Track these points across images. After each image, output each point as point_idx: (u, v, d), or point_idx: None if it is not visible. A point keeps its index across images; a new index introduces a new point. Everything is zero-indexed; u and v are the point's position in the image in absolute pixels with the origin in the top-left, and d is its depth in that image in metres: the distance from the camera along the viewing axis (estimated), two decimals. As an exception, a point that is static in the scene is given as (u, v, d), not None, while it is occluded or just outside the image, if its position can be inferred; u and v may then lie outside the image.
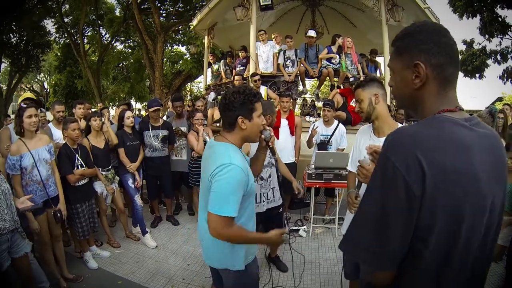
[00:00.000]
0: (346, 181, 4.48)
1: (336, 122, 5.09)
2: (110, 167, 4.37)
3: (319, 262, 3.97)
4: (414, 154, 0.90)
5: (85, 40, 19.64)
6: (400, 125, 2.34)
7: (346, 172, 4.45)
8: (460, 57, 12.54)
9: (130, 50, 21.91)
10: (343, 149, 5.03)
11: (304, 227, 4.83)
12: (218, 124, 5.63)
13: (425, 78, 1.03)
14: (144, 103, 21.28)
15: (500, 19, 15.02)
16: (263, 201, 3.32)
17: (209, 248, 2.03)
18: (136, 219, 4.59)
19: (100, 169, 4.16)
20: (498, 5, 14.72)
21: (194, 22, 9.36)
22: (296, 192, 3.46)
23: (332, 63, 7.06)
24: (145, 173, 5.10)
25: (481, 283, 1.10)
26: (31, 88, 29.94)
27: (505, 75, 15.81)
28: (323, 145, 5.03)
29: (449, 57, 1.02)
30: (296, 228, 4.80)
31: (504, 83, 15.86)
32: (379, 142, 2.18)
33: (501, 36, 15.40)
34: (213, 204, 1.75)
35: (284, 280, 3.59)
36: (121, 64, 22.87)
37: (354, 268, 2.54)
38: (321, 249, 4.33)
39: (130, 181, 4.52)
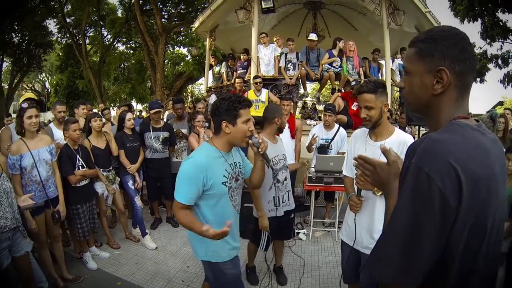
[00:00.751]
0: (345, 185, 4.52)
1: (336, 126, 5.09)
2: (110, 168, 4.37)
3: (318, 265, 3.97)
4: (449, 162, 0.86)
5: (87, 41, 19.72)
6: (398, 128, 2.32)
7: (345, 176, 4.49)
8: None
9: (131, 51, 21.98)
10: (343, 153, 5.01)
11: (304, 230, 4.84)
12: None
13: (447, 85, 1.00)
14: (145, 105, 21.34)
15: (501, 24, 15.04)
16: (281, 204, 3.29)
17: (189, 239, 2.32)
18: (136, 220, 4.59)
19: (101, 169, 4.17)
20: (499, 10, 14.69)
21: (196, 24, 9.37)
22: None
23: (334, 67, 7.07)
24: (145, 175, 5.11)
25: (494, 283, 1.09)
26: (33, 88, 30.02)
27: (506, 80, 15.79)
28: (323, 148, 5.02)
29: (472, 66, 1.01)
30: (296, 231, 4.77)
31: (505, 87, 15.88)
32: (376, 146, 2.18)
33: (502, 41, 15.44)
34: (175, 192, 2.05)
35: (285, 285, 3.58)
36: (122, 65, 22.93)
37: (354, 273, 2.53)
38: (320, 252, 4.33)
39: (130, 183, 4.52)
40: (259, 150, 2.18)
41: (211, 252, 2.18)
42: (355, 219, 2.31)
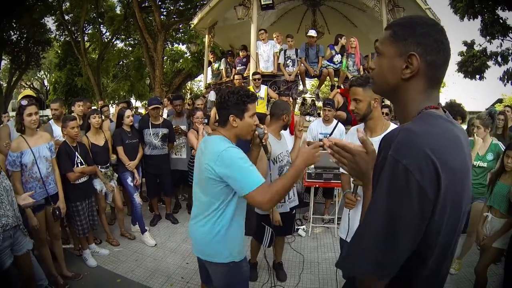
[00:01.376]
0: (345, 181, 4.50)
1: (335, 121, 5.09)
2: (109, 164, 4.37)
3: (318, 262, 3.98)
4: (428, 155, 0.84)
5: (86, 38, 19.58)
6: (393, 124, 2.31)
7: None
8: (460, 58, 12.48)
9: (130, 48, 21.91)
10: None
11: (303, 226, 4.84)
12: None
13: (416, 71, 0.99)
14: (144, 102, 21.29)
15: (501, 21, 14.96)
16: (287, 200, 3.32)
17: (197, 239, 2.14)
18: (135, 217, 4.59)
19: (99, 166, 4.17)
20: (499, 7, 14.64)
21: (195, 20, 9.35)
22: None
23: (333, 63, 7.06)
24: (144, 171, 5.10)
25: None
26: (31, 86, 29.92)
27: (506, 77, 15.75)
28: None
29: (445, 59, 1.00)
30: (296, 227, 4.78)
31: (505, 85, 15.84)
32: (375, 142, 2.16)
33: (502, 38, 15.35)
34: (244, 185, 1.83)
35: (285, 281, 3.60)
36: (121, 62, 22.84)
37: None
38: (320, 248, 4.34)
39: (129, 179, 4.52)
40: (263, 141, 2.17)
41: (236, 251, 2.10)
42: (349, 214, 2.33)
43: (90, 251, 3.97)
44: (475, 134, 3.86)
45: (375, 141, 2.10)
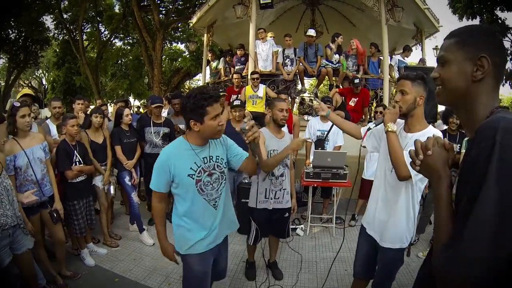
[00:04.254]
0: (343, 181, 4.52)
1: None
2: (106, 162, 4.34)
3: (316, 261, 3.98)
4: None
5: (84, 37, 19.58)
6: (431, 126, 2.28)
7: (344, 172, 4.49)
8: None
9: (129, 47, 21.90)
10: (339, 147, 5.05)
11: (302, 226, 4.84)
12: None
13: (487, 72, 1.04)
14: (143, 100, 21.24)
15: (500, 21, 15.11)
16: (271, 198, 3.29)
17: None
18: (133, 216, 4.58)
19: (99, 164, 4.17)
20: (498, 8, 14.77)
21: (194, 19, 9.36)
22: (292, 211, 3.51)
23: (331, 62, 7.07)
24: (143, 170, 5.09)
25: None
26: (29, 85, 29.84)
27: (504, 77, 15.79)
28: (320, 142, 5.04)
29: (504, 61, 1.09)
30: (294, 227, 4.79)
31: (503, 85, 15.89)
32: (407, 138, 2.21)
33: (501, 38, 15.32)
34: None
35: (281, 279, 3.59)
36: (120, 61, 22.84)
37: (365, 268, 2.58)
38: (318, 248, 4.34)
39: (127, 178, 4.49)
40: (245, 138, 2.03)
41: (184, 247, 2.22)
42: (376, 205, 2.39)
43: (88, 250, 3.96)
44: None
45: (413, 137, 2.14)
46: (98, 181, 4.15)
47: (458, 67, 1.08)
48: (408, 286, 3.40)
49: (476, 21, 15.06)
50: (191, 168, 2.09)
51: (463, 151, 3.82)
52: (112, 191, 4.31)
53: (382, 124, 2.26)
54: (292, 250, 4.20)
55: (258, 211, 3.22)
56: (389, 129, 2.15)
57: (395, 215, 2.27)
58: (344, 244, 4.13)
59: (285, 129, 4.98)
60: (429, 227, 4.62)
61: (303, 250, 4.22)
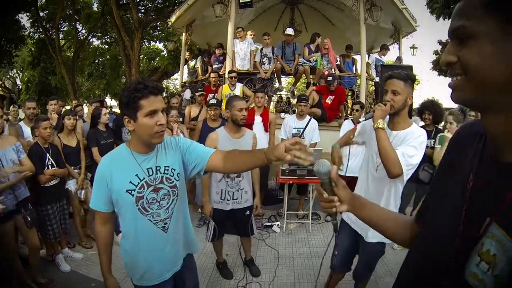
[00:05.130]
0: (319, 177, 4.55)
1: (308, 117, 5.15)
2: (80, 165, 4.24)
3: (293, 257, 4.01)
4: None
5: (61, 35, 19.13)
6: (414, 123, 2.33)
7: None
8: (436, 57, 12.78)
9: (106, 46, 21.46)
10: (315, 144, 5.09)
11: (278, 222, 4.87)
12: (193, 123, 5.59)
13: None
14: (121, 100, 20.85)
15: None
16: (228, 200, 3.25)
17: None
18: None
19: (72, 167, 4.08)
20: None
21: (173, 18, 9.28)
22: (254, 209, 3.48)
23: (309, 61, 7.14)
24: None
25: None
26: (2, 85, 28.93)
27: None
28: None
29: None
30: (270, 224, 4.85)
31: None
32: (393, 135, 2.24)
33: None
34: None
35: (259, 276, 3.60)
36: (97, 61, 22.38)
37: (344, 262, 2.64)
38: (294, 244, 4.38)
39: (103, 180, 4.40)
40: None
41: (133, 267, 1.93)
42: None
43: (63, 255, 3.87)
44: (446, 130, 4.00)
45: (397, 135, 2.21)
46: (71, 185, 4.06)
47: (494, 44, 0.64)
48: (384, 277, 3.51)
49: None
50: (130, 182, 1.67)
51: (438, 146, 3.92)
52: (82, 196, 4.18)
53: (370, 119, 2.29)
54: (269, 247, 4.23)
55: (216, 210, 3.22)
56: (379, 126, 2.16)
57: None
58: (321, 239, 4.14)
59: (261, 127, 5.04)
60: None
61: (279, 247, 4.25)
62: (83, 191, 4.17)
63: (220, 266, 3.66)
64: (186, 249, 2.00)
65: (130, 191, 1.68)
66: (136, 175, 1.69)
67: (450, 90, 0.77)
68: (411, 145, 2.11)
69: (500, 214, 0.70)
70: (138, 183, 1.69)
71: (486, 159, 0.79)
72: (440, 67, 16.14)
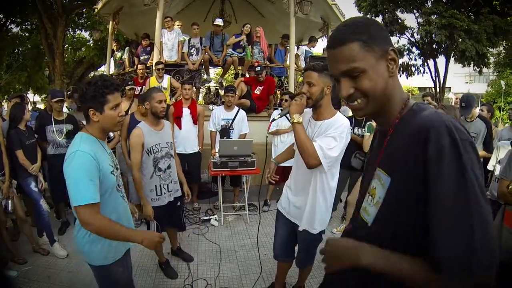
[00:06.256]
0: (252, 168, 4.73)
1: (236, 107, 5.24)
2: (3, 171, 3.87)
3: (235, 250, 4.07)
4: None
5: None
6: (339, 112, 2.43)
7: (252, 159, 4.68)
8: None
9: (27, 34, 19.47)
10: (245, 135, 5.20)
11: (215, 216, 4.90)
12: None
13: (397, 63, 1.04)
14: (43, 96, 19.36)
15: (399, 21, 17.40)
16: (164, 193, 3.24)
17: (76, 243, 2.03)
18: (42, 226, 4.16)
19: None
20: (399, 9, 16.95)
21: (99, 5, 8.69)
22: (186, 197, 3.50)
23: (237, 52, 7.21)
24: (47, 174, 4.71)
25: None
26: None
27: (401, 69, 18.56)
28: (225, 131, 5.12)
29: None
30: (207, 218, 4.86)
31: (400, 76, 18.19)
32: (318, 125, 2.36)
33: (399, 36, 18.11)
34: (72, 197, 1.74)
35: (204, 272, 3.58)
36: (16, 50, 20.29)
37: (285, 250, 2.76)
38: (235, 236, 4.45)
39: (33, 184, 4.05)
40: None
41: (109, 250, 1.98)
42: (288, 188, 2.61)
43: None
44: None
45: (322, 125, 2.34)
46: None
47: (375, 70, 1.00)
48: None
49: (379, 19, 16.84)
50: (109, 164, 1.94)
51: (367, 134, 4.16)
52: (10, 207, 3.82)
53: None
54: (209, 241, 4.26)
55: (155, 208, 3.13)
56: (295, 121, 2.27)
57: (310, 201, 2.41)
58: (260, 229, 4.14)
59: (189, 119, 5.08)
60: (340, 205, 5.17)
61: (220, 240, 4.30)
62: (9, 201, 3.80)
63: (163, 266, 3.57)
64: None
65: (112, 172, 1.95)
66: (107, 157, 1.97)
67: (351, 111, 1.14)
68: (330, 135, 2.22)
69: (380, 160, 1.11)
70: (112, 164, 1.99)
71: (381, 137, 1.18)
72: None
